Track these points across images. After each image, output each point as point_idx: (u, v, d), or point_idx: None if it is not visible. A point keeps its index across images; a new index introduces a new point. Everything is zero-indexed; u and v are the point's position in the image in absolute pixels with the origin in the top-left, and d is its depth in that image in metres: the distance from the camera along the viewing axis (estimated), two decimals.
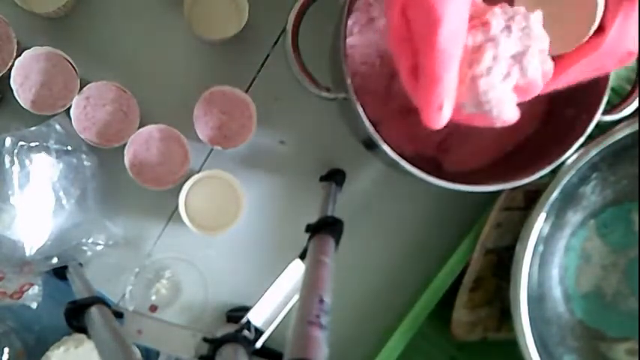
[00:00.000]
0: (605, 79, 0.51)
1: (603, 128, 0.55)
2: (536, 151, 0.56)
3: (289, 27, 0.48)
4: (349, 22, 0.55)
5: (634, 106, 0.53)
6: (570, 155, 0.52)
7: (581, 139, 0.51)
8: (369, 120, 0.49)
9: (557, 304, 0.61)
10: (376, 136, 0.49)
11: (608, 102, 0.52)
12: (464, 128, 0.60)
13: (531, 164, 0.53)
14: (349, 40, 0.56)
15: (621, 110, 0.53)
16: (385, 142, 0.49)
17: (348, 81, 0.48)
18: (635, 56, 0.39)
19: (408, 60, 0.38)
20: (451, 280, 0.59)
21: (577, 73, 0.38)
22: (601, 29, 0.37)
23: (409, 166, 0.49)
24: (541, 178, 0.52)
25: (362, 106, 0.48)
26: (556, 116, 0.58)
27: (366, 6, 0.57)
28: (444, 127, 0.60)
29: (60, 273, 0.60)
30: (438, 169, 0.61)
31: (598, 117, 0.51)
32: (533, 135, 0.59)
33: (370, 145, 0.51)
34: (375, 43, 0.57)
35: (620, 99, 0.55)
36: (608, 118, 0.52)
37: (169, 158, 0.61)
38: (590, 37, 0.37)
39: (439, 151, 0.61)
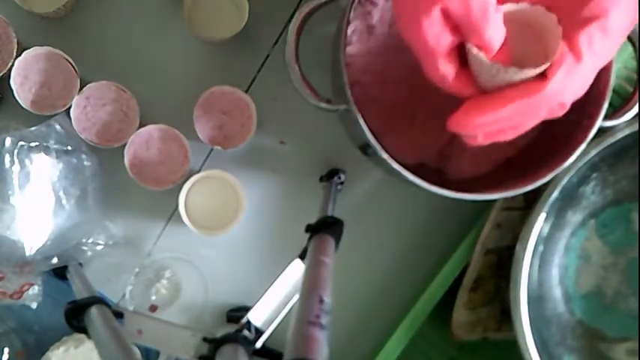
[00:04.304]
0: (605, 84, 0.51)
1: (603, 128, 0.54)
2: (537, 158, 0.56)
3: (290, 38, 0.48)
4: (348, 31, 0.55)
5: (634, 111, 0.53)
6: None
7: (583, 146, 0.51)
8: (370, 130, 0.49)
9: (557, 304, 0.61)
10: (378, 147, 0.48)
11: (609, 104, 0.52)
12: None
13: (532, 170, 0.52)
14: (349, 50, 0.56)
15: (622, 115, 0.53)
16: (386, 151, 0.49)
17: (349, 92, 0.48)
18: (566, 109, 0.39)
19: None
20: (451, 280, 0.59)
21: (509, 113, 0.38)
22: (543, 76, 0.37)
23: (411, 176, 0.49)
24: None
25: (363, 116, 0.48)
26: (557, 122, 0.58)
27: (364, 14, 0.57)
28: (445, 133, 0.60)
29: (60, 273, 0.60)
30: (439, 176, 0.61)
31: (599, 123, 0.51)
32: (534, 141, 0.59)
33: (371, 154, 0.51)
34: (375, 51, 0.57)
35: (620, 99, 0.55)
36: (609, 123, 0.52)
37: (169, 158, 0.61)
38: (531, 81, 0.37)
39: (440, 159, 0.61)
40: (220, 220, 0.61)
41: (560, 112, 0.39)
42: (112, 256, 0.63)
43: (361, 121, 0.48)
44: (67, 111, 0.59)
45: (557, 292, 0.61)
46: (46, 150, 0.57)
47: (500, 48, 0.38)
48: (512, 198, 0.58)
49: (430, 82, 0.41)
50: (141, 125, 0.60)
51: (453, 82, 0.39)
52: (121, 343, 0.41)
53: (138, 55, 0.63)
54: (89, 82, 0.59)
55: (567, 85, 0.37)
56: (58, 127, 0.58)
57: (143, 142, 0.60)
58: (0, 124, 0.58)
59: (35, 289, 0.57)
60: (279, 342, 0.43)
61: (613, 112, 0.53)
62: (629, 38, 0.53)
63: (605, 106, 0.51)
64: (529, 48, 0.38)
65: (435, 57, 0.38)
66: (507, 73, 0.37)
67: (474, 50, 0.37)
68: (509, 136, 0.41)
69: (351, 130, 0.54)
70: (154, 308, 0.64)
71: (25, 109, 0.58)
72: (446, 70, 0.39)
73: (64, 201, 0.58)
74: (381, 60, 0.57)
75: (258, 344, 0.48)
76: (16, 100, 0.57)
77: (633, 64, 0.60)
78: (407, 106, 0.59)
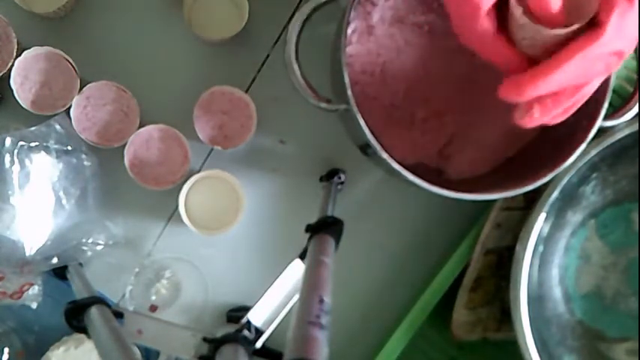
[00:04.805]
0: (605, 84, 0.51)
1: (603, 128, 0.54)
2: (537, 158, 0.56)
3: (290, 38, 0.48)
4: (348, 31, 0.55)
5: (634, 111, 0.53)
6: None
7: (583, 146, 0.51)
8: (370, 130, 0.49)
9: (557, 304, 0.61)
10: (378, 147, 0.48)
11: (609, 104, 0.52)
12: (464, 134, 0.60)
13: (532, 170, 0.52)
14: (349, 50, 0.56)
15: (622, 115, 0.53)
16: (386, 151, 0.49)
17: (349, 92, 0.48)
18: (622, 61, 0.38)
19: None
20: (451, 280, 0.59)
21: (572, 70, 0.37)
22: (598, 24, 0.36)
23: (411, 176, 0.49)
24: None
25: (363, 116, 0.48)
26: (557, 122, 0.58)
27: (364, 14, 0.57)
28: (445, 132, 0.60)
29: (60, 273, 0.60)
30: (439, 176, 0.61)
31: (599, 123, 0.51)
32: (534, 141, 0.59)
33: (371, 154, 0.51)
34: (375, 51, 0.57)
35: (620, 99, 0.55)
36: (609, 123, 0.52)
37: (169, 158, 0.61)
38: (587, 32, 0.37)
39: (440, 159, 0.61)
40: (220, 220, 0.61)
41: (616, 65, 0.38)
42: (112, 256, 0.63)
43: (361, 121, 0.48)
44: (67, 111, 0.59)
45: (557, 292, 0.61)
46: (46, 150, 0.57)
47: (556, 12, 0.37)
48: (512, 198, 0.58)
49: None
50: (141, 125, 0.60)
51: (492, 42, 0.39)
52: (121, 343, 0.41)
53: (138, 55, 0.63)
54: (89, 82, 0.59)
55: (623, 29, 0.36)
56: (58, 127, 0.58)
57: (143, 142, 0.60)
58: (0, 124, 0.58)
59: (35, 289, 0.57)
60: (279, 342, 0.43)
61: (613, 112, 0.53)
62: None
63: (605, 106, 0.51)
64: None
65: (478, 12, 0.38)
66: (551, 32, 0.37)
67: (519, 11, 0.37)
68: (562, 113, 0.40)
69: (351, 130, 0.54)
70: (153, 308, 0.64)
71: (25, 109, 0.58)
72: (487, 27, 0.38)
73: (64, 201, 0.58)
74: (381, 60, 0.57)
75: (258, 344, 0.48)
76: (16, 100, 0.57)
77: (633, 64, 0.60)
78: (407, 105, 0.59)
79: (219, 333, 0.46)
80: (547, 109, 0.39)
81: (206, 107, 0.60)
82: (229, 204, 0.61)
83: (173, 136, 0.60)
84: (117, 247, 0.63)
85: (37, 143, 0.57)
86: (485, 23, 0.38)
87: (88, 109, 0.59)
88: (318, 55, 0.54)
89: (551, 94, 0.39)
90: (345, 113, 0.49)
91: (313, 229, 0.49)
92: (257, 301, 0.48)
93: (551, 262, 0.61)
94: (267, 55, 0.64)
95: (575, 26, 0.36)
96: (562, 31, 0.37)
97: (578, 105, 0.41)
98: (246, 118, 0.61)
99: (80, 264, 0.61)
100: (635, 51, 0.53)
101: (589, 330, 0.61)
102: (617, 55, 0.38)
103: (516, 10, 0.37)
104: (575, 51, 0.37)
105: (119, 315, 0.50)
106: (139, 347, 0.57)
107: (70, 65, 0.59)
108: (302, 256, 0.49)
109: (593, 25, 0.36)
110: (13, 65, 0.57)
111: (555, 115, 0.40)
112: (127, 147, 0.59)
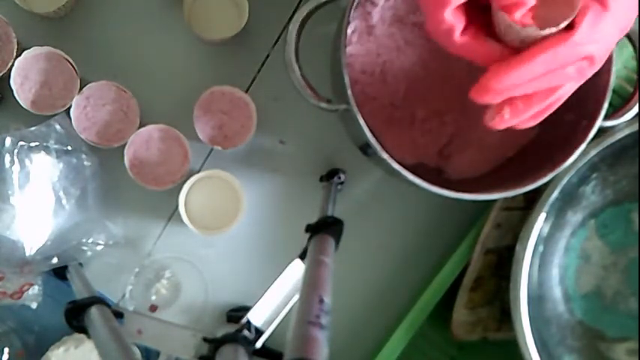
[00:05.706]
0: (605, 84, 0.51)
1: (603, 128, 0.54)
2: (537, 157, 0.56)
3: (290, 38, 0.48)
4: (348, 31, 0.55)
5: (634, 111, 0.53)
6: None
7: (583, 146, 0.51)
8: (370, 130, 0.49)
9: (557, 304, 0.61)
10: (378, 147, 0.48)
11: (609, 104, 0.52)
12: (464, 134, 0.60)
13: (532, 170, 0.52)
14: (349, 50, 0.56)
15: (622, 115, 0.53)
16: (386, 151, 0.49)
17: (349, 92, 0.48)
18: (594, 68, 0.38)
19: None
20: (451, 280, 0.59)
21: (536, 68, 0.36)
22: (571, 26, 0.36)
23: (411, 176, 0.49)
24: None
25: (363, 116, 0.48)
26: (556, 122, 0.58)
27: (364, 14, 0.57)
28: (445, 132, 0.60)
29: (60, 273, 0.60)
30: (439, 176, 0.61)
31: (599, 123, 0.51)
32: (534, 141, 0.59)
33: (371, 154, 0.51)
34: (375, 51, 0.57)
35: (620, 99, 0.55)
36: (609, 123, 0.52)
37: (169, 158, 0.61)
38: (556, 34, 0.36)
39: (440, 159, 0.61)
40: (220, 220, 0.61)
41: (589, 71, 0.38)
42: (112, 256, 0.63)
43: (361, 121, 0.48)
44: (67, 111, 0.59)
45: (557, 292, 0.61)
46: (46, 150, 0.57)
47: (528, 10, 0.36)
48: (512, 198, 0.58)
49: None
50: (141, 125, 0.60)
51: (460, 38, 0.38)
52: (121, 343, 0.41)
53: (138, 55, 0.63)
54: (89, 82, 0.59)
55: (594, 34, 0.36)
56: (58, 127, 0.58)
57: (143, 142, 0.60)
58: (0, 124, 0.58)
59: (35, 289, 0.57)
60: (279, 342, 0.43)
61: (613, 112, 0.53)
62: (629, 38, 0.53)
63: (605, 106, 0.51)
64: (556, 6, 0.37)
65: (445, 7, 0.37)
66: (529, 31, 0.36)
67: (495, 7, 0.37)
68: (532, 117, 0.39)
69: (351, 130, 0.54)
70: (153, 308, 0.64)
71: (25, 109, 0.58)
72: (453, 22, 0.37)
73: (64, 201, 0.58)
74: (381, 60, 0.57)
75: (258, 344, 0.48)
76: (16, 100, 0.57)
77: (633, 64, 0.60)
78: (407, 105, 0.59)
79: (219, 333, 0.46)
80: (518, 110, 0.39)
81: (206, 107, 0.60)
82: (229, 204, 0.61)
83: (173, 136, 0.60)
84: (117, 247, 0.63)
85: (37, 143, 0.57)
86: (451, 18, 0.37)
87: (88, 109, 0.59)
88: (318, 55, 0.54)
89: (523, 95, 0.38)
90: (345, 113, 0.49)
91: (313, 229, 0.49)
92: (257, 301, 0.48)
93: (551, 262, 0.61)
94: (267, 55, 0.64)
95: (562, 25, 0.36)
96: (551, 31, 0.36)
97: (550, 110, 0.40)
98: (246, 118, 0.61)
99: (80, 264, 0.61)
100: (635, 51, 0.53)
101: (589, 330, 0.61)
102: (589, 60, 0.37)
103: (497, 11, 0.37)
104: (543, 48, 0.36)
105: (119, 315, 0.50)
106: (139, 347, 0.57)
107: (70, 65, 0.59)
108: (302, 256, 0.49)
109: (567, 29, 0.36)
110: (13, 65, 0.57)
111: (526, 118, 0.40)
112: (127, 147, 0.59)
